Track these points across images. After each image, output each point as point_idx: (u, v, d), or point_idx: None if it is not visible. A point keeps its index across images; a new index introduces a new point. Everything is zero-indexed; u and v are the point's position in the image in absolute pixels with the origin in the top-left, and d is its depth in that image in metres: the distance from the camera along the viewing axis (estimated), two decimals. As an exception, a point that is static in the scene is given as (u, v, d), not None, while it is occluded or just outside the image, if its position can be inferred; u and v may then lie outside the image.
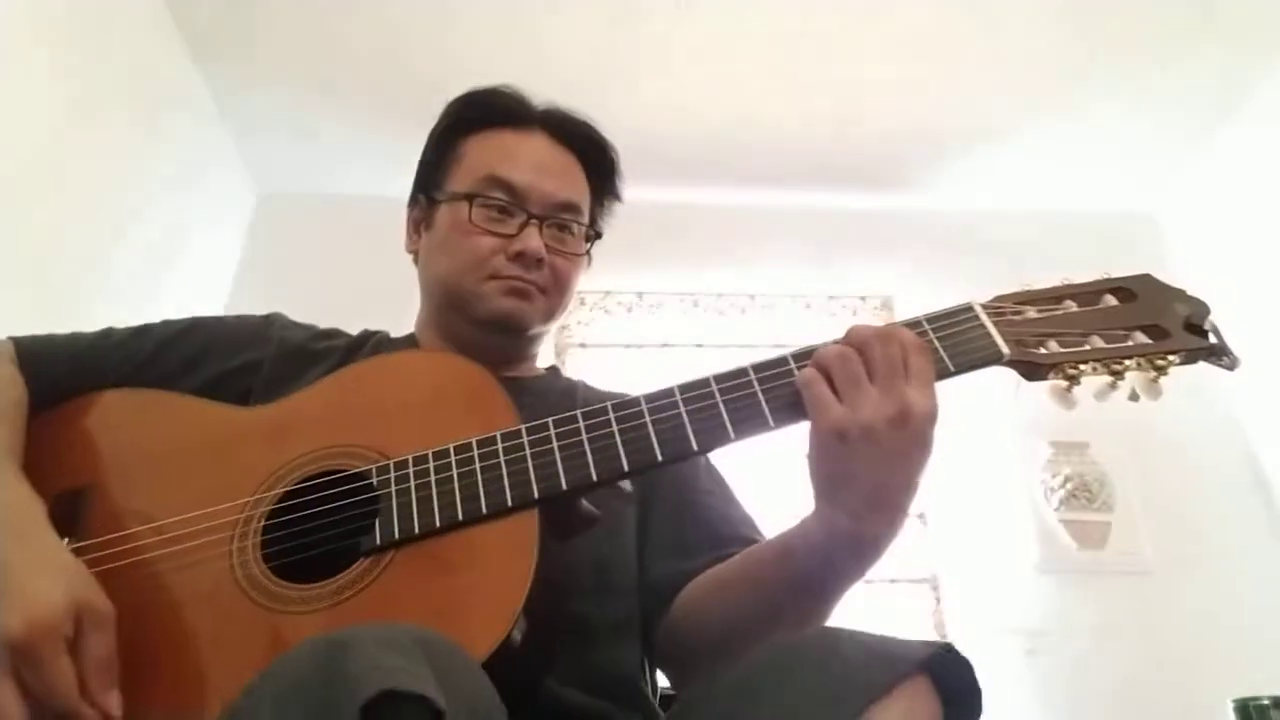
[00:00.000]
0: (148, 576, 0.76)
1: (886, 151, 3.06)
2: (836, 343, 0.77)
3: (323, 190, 3.06)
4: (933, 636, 2.62)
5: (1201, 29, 2.60)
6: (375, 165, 3.01)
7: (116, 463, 0.87)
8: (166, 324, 1.03)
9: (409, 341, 1.10)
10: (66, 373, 0.94)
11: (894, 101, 2.86)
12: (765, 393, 0.77)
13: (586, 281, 1.12)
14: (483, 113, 1.09)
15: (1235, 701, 2.00)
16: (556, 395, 1.06)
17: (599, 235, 1.12)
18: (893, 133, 2.98)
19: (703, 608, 0.89)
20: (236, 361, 0.99)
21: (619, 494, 0.93)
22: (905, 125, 2.95)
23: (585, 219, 1.08)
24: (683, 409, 0.77)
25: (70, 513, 0.81)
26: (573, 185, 1.08)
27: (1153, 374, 0.78)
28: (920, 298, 3.50)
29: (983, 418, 2.37)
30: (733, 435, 0.76)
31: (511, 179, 1.02)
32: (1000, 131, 2.98)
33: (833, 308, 3.14)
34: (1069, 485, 2.78)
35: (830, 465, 0.74)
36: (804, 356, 0.78)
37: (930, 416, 0.72)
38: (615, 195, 1.15)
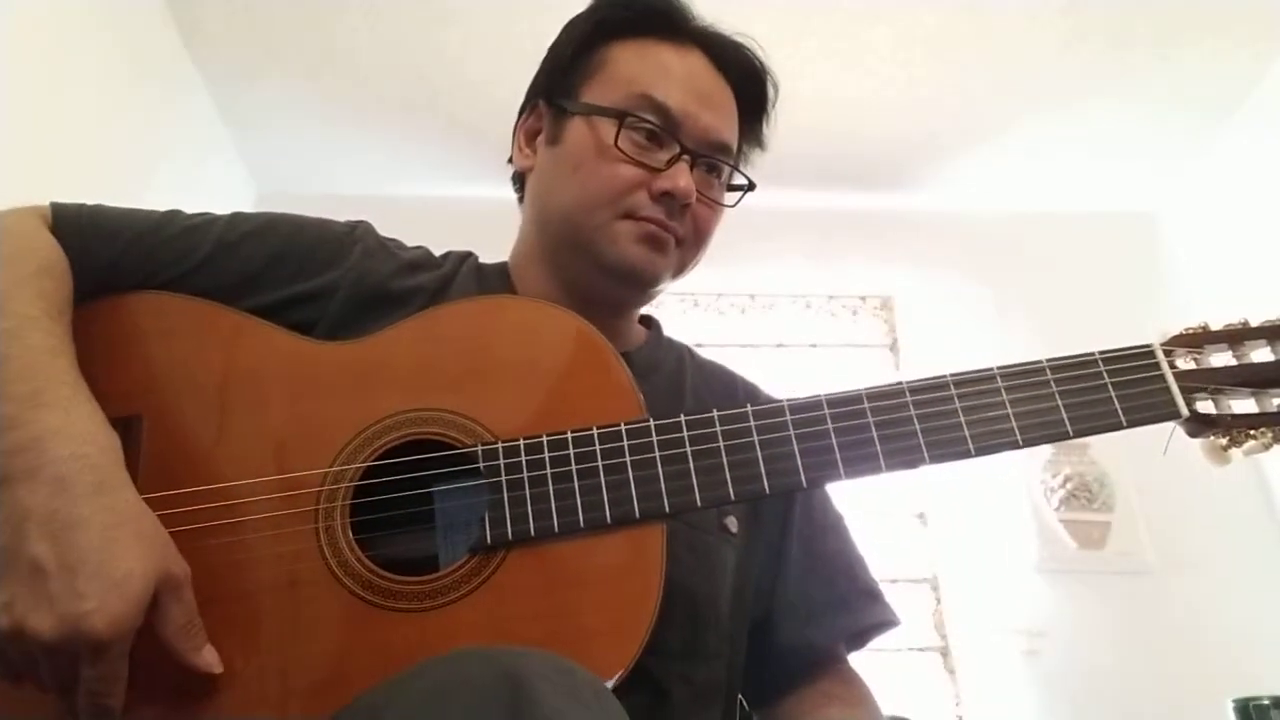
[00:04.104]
0: (219, 549, 0.66)
1: (887, 152, 3.05)
2: None
3: (323, 190, 3.06)
4: (933, 636, 2.62)
5: (1201, 28, 2.60)
6: (375, 165, 3.02)
7: (173, 392, 0.74)
8: (234, 220, 0.86)
9: (500, 276, 0.95)
10: (116, 260, 0.79)
11: (894, 102, 2.86)
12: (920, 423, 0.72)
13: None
14: (635, 15, 0.91)
15: (1235, 701, 1.99)
16: (666, 375, 0.94)
17: (752, 187, 0.94)
18: (893, 133, 2.98)
19: None
20: (304, 286, 0.83)
21: (723, 534, 0.84)
22: (905, 125, 2.95)
23: (734, 163, 0.93)
24: (830, 426, 0.72)
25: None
26: (730, 122, 0.92)
27: None
28: (920, 298, 3.50)
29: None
30: (884, 467, 0.71)
31: (668, 102, 0.86)
32: (1000, 131, 2.97)
33: (833, 307, 3.13)
34: (1069, 485, 2.78)
35: None
36: (879, 398, 0.73)
37: None
38: (759, 141, 0.98)
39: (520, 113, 0.97)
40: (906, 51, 2.69)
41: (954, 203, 3.24)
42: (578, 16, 0.95)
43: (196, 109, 2.77)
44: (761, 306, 3.11)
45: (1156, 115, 2.91)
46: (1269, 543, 2.75)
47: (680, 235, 0.87)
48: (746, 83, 0.94)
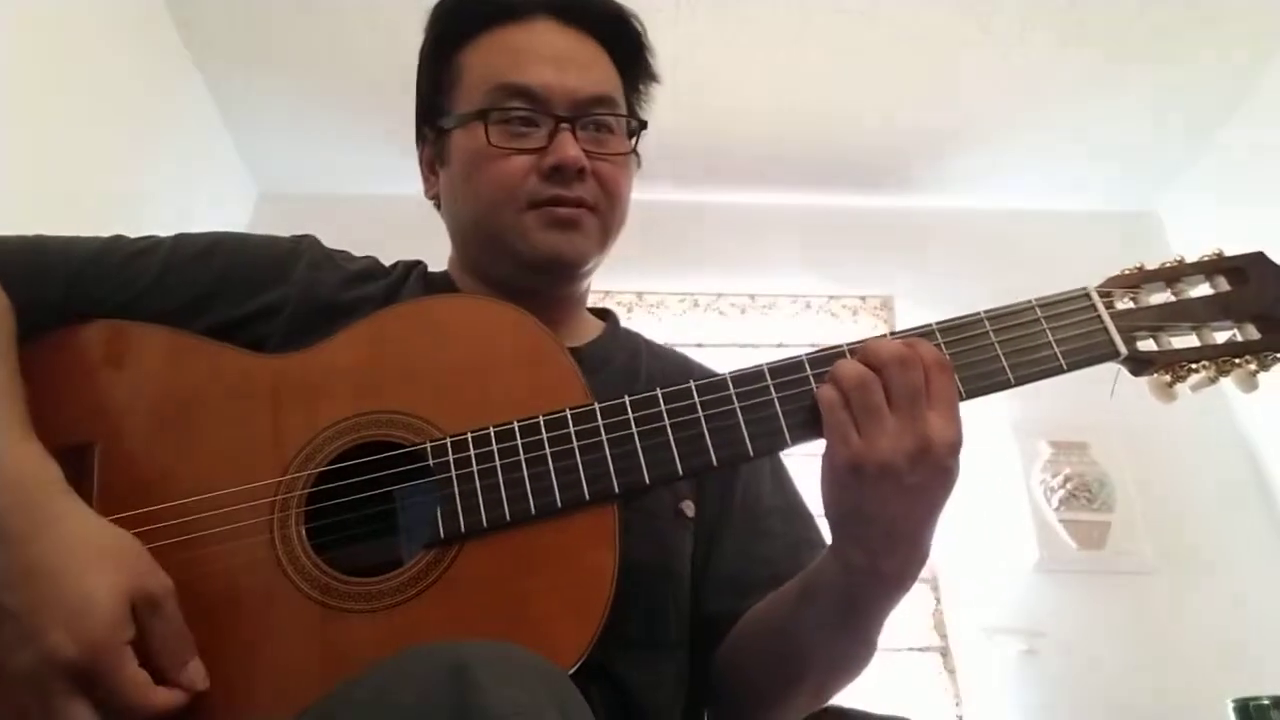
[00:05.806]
0: (178, 565, 0.66)
1: (886, 151, 3.05)
2: (854, 354, 0.69)
3: (323, 190, 3.06)
4: (933, 637, 2.62)
5: (1201, 29, 2.60)
6: (375, 165, 3.01)
7: (124, 417, 0.74)
8: (179, 242, 0.87)
9: (445, 283, 0.96)
10: (63, 293, 0.79)
11: (894, 101, 2.86)
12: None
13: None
14: (472, 15, 0.92)
15: (1235, 701, 2.00)
16: (620, 368, 0.94)
17: (643, 125, 0.93)
18: (893, 133, 2.98)
19: (739, 661, 0.84)
20: (252, 306, 0.84)
21: (680, 519, 0.85)
22: (905, 125, 2.95)
23: (622, 110, 0.92)
24: (775, 396, 0.72)
25: (74, 479, 0.68)
26: (599, 73, 0.90)
27: (1254, 367, 0.74)
28: (920, 298, 3.50)
29: (982, 417, 2.37)
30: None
31: (525, 80, 0.86)
32: (1000, 131, 2.97)
33: (833, 307, 3.13)
34: (1069, 485, 2.78)
35: (846, 501, 0.68)
36: (822, 364, 0.72)
37: (953, 447, 0.66)
38: (650, 75, 0.97)
39: (417, 145, 0.99)
40: (906, 52, 2.68)
41: (954, 203, 3.24)
42: (424, 37, 0.97)
43: (196, 109, 2.76)
44: (761, 306, 3.11)
45: (1156, 115, 2.91)
46: (1269, 543, 2.75)
47: (589, 202, 0.87)
48: (607, 26, 0.93)
